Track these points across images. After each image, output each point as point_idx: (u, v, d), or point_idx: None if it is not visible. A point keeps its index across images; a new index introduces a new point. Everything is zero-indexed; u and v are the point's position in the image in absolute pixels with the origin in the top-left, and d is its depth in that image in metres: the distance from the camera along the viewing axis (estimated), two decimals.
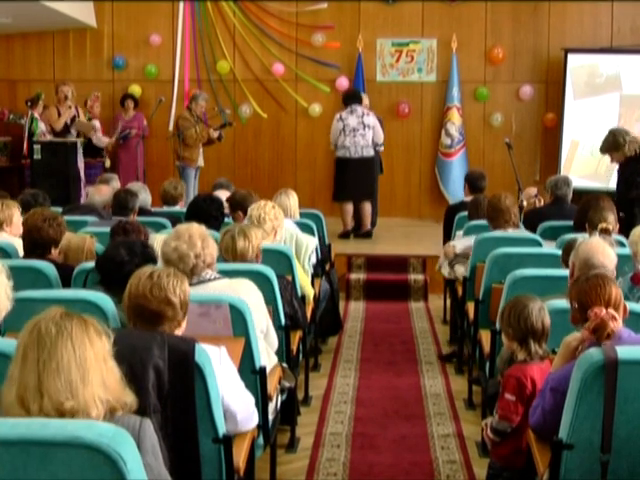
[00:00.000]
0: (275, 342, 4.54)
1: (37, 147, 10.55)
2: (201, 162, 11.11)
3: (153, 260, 4.17)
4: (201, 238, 4.18)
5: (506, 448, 3.76)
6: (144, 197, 7.62)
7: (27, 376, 2.28)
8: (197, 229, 4.25)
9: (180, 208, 7.89)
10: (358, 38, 12.25)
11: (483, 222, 7.16)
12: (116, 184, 8.16)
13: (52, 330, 2.32)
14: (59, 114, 11.16)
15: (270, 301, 4.66)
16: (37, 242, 5.02)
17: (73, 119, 11.19)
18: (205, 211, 6.23)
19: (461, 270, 6.74)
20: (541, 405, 3.36)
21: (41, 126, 11.53)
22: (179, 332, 3.28)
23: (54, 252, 5.04)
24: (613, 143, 7.30)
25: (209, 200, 6.56)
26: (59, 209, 7.00)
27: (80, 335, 2.34)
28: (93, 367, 2.33)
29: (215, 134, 11.03)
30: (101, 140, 11.57)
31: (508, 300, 4.16)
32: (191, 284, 4.10)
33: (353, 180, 10.50)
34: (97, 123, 11.62)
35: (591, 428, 3.05)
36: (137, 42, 12.65)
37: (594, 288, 3.44)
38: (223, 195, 7.46)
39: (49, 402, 2.26)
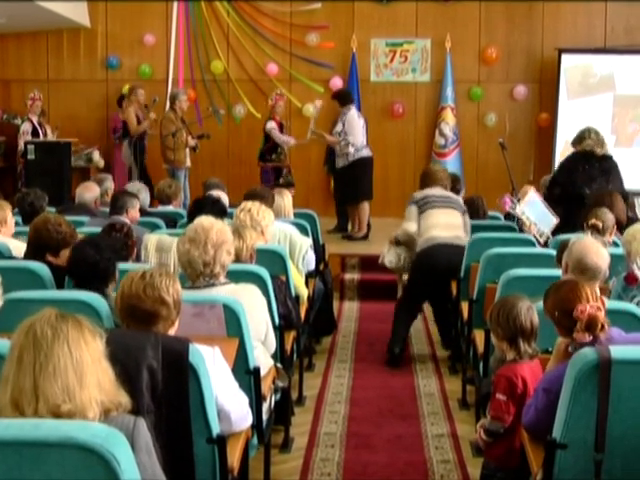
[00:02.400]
0: (273, 346, 4.53)
1: (31, 147, 10.56)
2: (188, 163, 11.08)
3: (119, 250, 4.20)
4: (216, 246, 4.10)
5: (500, 448, 3.76)
6: (143, 197, 7.61)
7: (22, 379, 2.27)
8: (216, 233, 4.15)
9: (174, 208, 7.90)
10: (352, 38, 12.26)
11: (478, 222, 7.19)
12: (109, 184, 8.16)
13: (48, 333, 2.30)
14: (137, 119, 11.16)
15: None
16: (37, 244, 5.01)
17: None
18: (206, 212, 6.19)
19: (404, 254, 6.79)
20: (534, 405, 3.36)
21: (24, 126, 11.54)
22: (172, 332, 3.28)
23: (64, 253, 5.03)
24: (578, 136, 7.37)
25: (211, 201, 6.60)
26: (52, 209, 6.99)
27: (76, 337, 2.33)
28: (89, 369, 2.32)
29: (192, 142, 10.95)
30: (283, 140, 10.99)
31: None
32: (197, 287, 4.11)
33: (371, 179, 10.60)
34: (272, 123, 11.00)
35: (585, 427, 3.05)
36: (131, 42, 12.65)
37: (569, 292, 3.45)
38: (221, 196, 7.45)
39: (45, 405, 2.24)
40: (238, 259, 4.87)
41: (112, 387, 2.39)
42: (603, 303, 3.47)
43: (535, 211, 6.72)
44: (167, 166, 10.89)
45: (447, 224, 6.66)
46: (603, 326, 3.34)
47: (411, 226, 6.80)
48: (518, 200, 7.10)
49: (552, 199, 7.20)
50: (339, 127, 10.36)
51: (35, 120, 11.65)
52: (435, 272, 6.65)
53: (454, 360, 6.78)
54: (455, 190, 8.05)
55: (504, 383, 3.69)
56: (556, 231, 6.84)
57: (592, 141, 7.22)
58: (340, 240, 10.51)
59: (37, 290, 4.21)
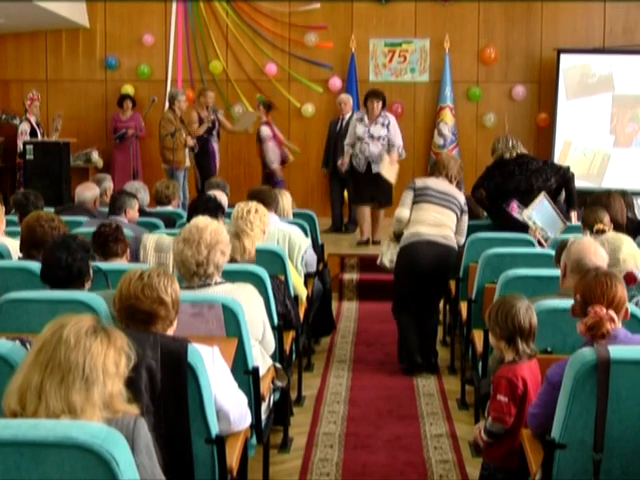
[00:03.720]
0: (272, 347, 4.52)
1: (29, 147, 10.55)
2: (187, 163, 11.08)
3: (89, 248, 4.25)
4: (209, 246, 4.10)
5: (500, 449, 3.75)
6: (142, 196, 7.60)
7: (32, 374, 2.27)
8: (210, 233, 4.15)
9: (173, 208, 7.89)
10: (351, 38, 12.26)
11: (477, 222, 7.17)
12: (108, 184, 8.15)
13: (71, 341, 2.28)
14: (200, 119, 11.09)
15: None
16: (31, 241, 5.00)
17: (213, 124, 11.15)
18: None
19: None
20: (537, 396, 3.41)
21: (23, 126, 11.51)
22: (171, 332, 3.28)
23: None
24: (492, 147, 7.61)
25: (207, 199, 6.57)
26: (51, 209, 6.98)
27: (96, 355, 2.30)
28: (99, 390, 2.29)
29: (191, 142, 10.94)
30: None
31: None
32: (192, 287, 4.11)
33: None
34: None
35: (584, 427, 3.05)
36: (130, 42, 12.64)
37: (600, 286, 3.44)
38: (218, 195, 7.44)
39: (45, 410, 2.24)
40: (240, 260, 4.89)
41: (121, 404, 2.38)
42: (626, 314, 3.46)
43: (543, 215, 6.71)
44: (166, 166, 10.88)
45: (437, 222, 6.47)
46: (604, 335, 3.34)
47: (404, 212, 6.59)
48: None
49: (477, 199, 7.51)
50: (383, 131, 9.74)
51: (33, 120, 11.64)
52: (417, 269, 6.45)
53: (428, 370, 6.64)
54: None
55: (505, 384, 3.68)
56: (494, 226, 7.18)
57: (501, 150, 7.43)
58: (339, 240, 10.51)
59: (35, 290, 4.20)
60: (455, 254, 6.52)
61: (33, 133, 11.52)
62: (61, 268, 4.09)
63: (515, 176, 7.12)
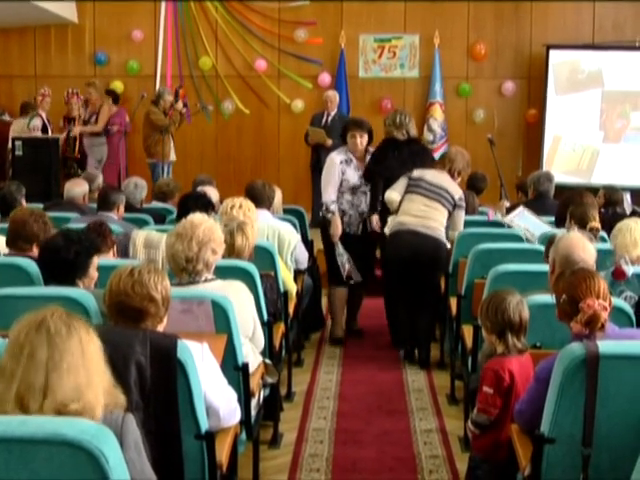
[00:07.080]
0: (261, 343, 4.53)
1: (19, 143, 10.51)
2: (173, 157, 11.02)
3: (92, 247, 4.19)
4: (200, 244, 4.11)
5: (485, 441, 3.78)
6: (138, 193, 7.57)
7: (33, 375, 2.24)
8: (203, 231, 4.16)
9: (165, 204, 7.86)
10: (340, 34, 12.24)
11: (468, 218, 7.16)
12: (100, 181, 8.15)
13: (63, 330, 2.29)
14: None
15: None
16: (21, 235, 4.97)
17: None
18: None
19: None
20: (526, 391, 3.42)
21: (35, 122, 11.43)
22: (161, 328, 3.28)
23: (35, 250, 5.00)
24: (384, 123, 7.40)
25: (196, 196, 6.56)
26: (40, 205, 6.96)
27: (87, 337, 2.33)
28: (96, 370, 2.33)
29: (180, 106, 10.93)
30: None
31: None
32: (182, 284, 4.10)
33: None
34: None
35: (573, 422, 3.06)
36: (119, 38, 12.60)
37: (583, 281, 3.45)
38: (209, 191, 7.43)
39: (52, 403, 2.23)
40: (240, 256, 4.90)
41: (111, 388, 2.40)
42: (610, 302, 3.48)
43: (525, 220, 6.71)
44: (151, 160, 10.83)
45: (423, 214, 6.51)
46: (603, 325, 3.36)
47: (393, 195, 6.67)
48: (507, 210, 7.16)
49: (372, 183, 7.14)
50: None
51: (44, 116, 11.55)
52: (400, 257, 6.52)
53: (421, 364, 6.67)
54: None
55: (491, 376, 3.71)
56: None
57: (391, 127, 7.26)
58: None
59: (25, 287, 4.19)
60: (442, 246, 6.53)
61: (44, 129, 11.42)
62: (50, 251, 4.08)
63: (394, 170, 6.94)
